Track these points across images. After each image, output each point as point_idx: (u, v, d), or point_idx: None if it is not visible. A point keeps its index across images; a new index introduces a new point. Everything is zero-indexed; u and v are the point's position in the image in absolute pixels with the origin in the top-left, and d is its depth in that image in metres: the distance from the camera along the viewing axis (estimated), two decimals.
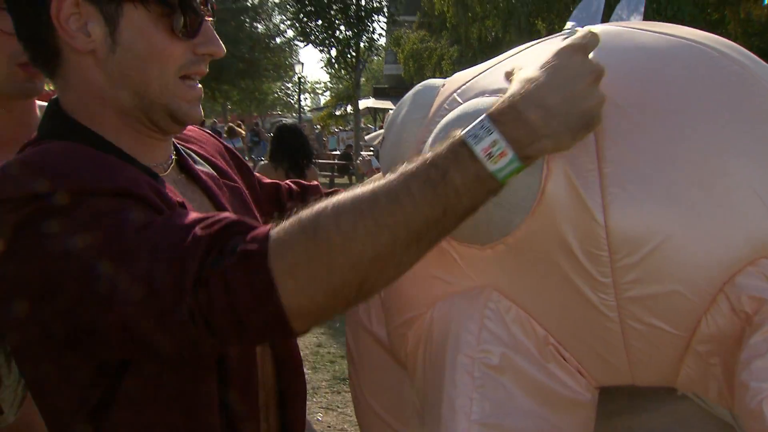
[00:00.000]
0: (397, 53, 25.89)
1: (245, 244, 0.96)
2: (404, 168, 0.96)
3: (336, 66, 27.14)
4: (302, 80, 42.62)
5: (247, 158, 11.48)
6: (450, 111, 1.05)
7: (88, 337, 1.04)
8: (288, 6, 30.97)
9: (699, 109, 0.96)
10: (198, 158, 1.38)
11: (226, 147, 1.53)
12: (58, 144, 1.16)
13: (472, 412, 0.93)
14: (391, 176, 0.96)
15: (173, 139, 1.34)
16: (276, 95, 45.73)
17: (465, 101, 1.05)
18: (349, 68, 25.64)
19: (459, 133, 0.93)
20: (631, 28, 1.10)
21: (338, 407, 4.75)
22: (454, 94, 1.11)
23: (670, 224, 0.92)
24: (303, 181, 1.65)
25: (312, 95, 67.58)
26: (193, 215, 1.03)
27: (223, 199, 1.27)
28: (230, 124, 19.28)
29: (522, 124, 0.95)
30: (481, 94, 1.05)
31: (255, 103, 41.95)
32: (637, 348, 0.96)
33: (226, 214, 1.03)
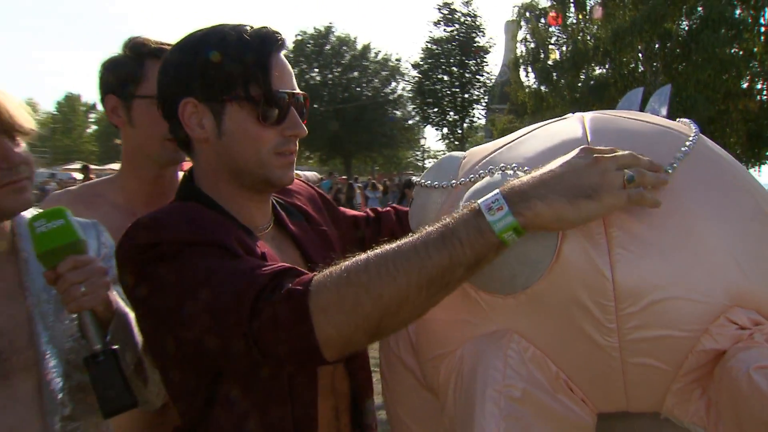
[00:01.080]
0: (492, 131, 27.75)
1: (293, 286, 1.03)
2: (428, 226, 1.02)
3: (447, 140, 29.81)
4: (426, 149, 52.67)
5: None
6: (474, 182, 1.10)
7: (182, 351, 1.16)
8: (416, 99, 38.16)
9: (682, 185, 1.02)
10: (294, 210, 1.46)
11: (318, 193, 1.61)
12: (181, 204, 1.31)
13: None
14: (416, 233, 1.02)
15: (277, 196, 1.45)
16: (408, 160, 53.36)
17: (488, 172, 1.10)
18: (456, 142, 28.13)
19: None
20: (617, 116, 1.18)
21: None
22: (476, 166, 1.16)
23: (665, 280, 0.97)
24: (378, 208, 1.72)
25: (433, 159, 71.41)
26: (259, 262, 1.12)
27: (310, 249, 1.37)
28: (372, 180, 21.94)
29: (519, 188, 1.00)
30: (502, 167, 1.09)
31: (394, 165, 49.04)
32: (633, 382, 1.02)
33: (284, 264, 1.11)
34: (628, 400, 1.04)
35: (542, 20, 21.46)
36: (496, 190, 0.98)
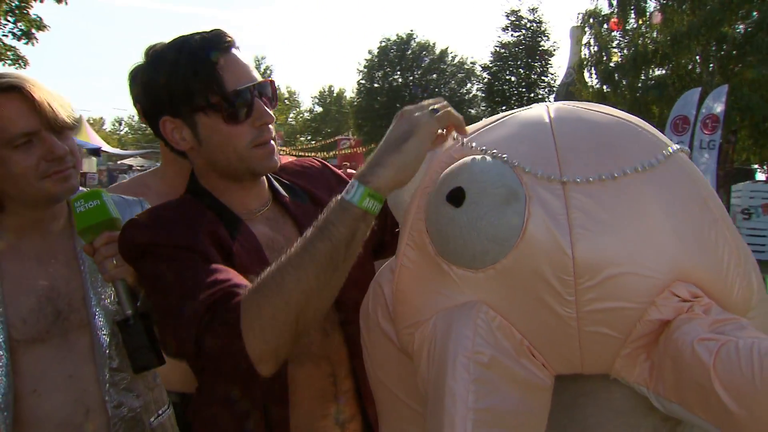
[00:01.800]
0: None
1: (226, 314, 1.09)
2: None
3: None
4: None
5: None
6: (449, 163, 1.10)
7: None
8: (487, 99, 37.08)
9: (633, 172, 1.01)
10: (299, 191, 1.47)
11: (335, 174, 1.58)
12: (178, 201, 1.39)
13: (468, 400, 0.94)
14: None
15: (283, 177, 1.47)
16: None
17: (459, 158, 1.10)
18: None
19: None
20: (579, 107, 1.15)
21: None
22: (452, 151, 1.15)
23: (619, 257, 0.97)
24: None
25: None
26: (212, 277, 1.16)
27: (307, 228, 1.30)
28: None
29: (365, 168, 1.08)
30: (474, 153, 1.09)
31: None
32: (588, 348, 1.02)
33: (229, 280, 1.15)
34: (583, 364, 1.03)
35: (605, 25, 20.86)
36: (352, 179, 1.07)
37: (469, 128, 1.20)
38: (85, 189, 1.47)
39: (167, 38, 1.34)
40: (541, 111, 1.13)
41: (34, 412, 1.43)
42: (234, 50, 1.30)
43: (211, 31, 1.29)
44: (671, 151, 1.05)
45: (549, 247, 0.97)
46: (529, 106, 1.19)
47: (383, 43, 48.04)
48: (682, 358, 0.90)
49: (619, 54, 21.14)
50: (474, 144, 1.11)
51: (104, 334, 1.52)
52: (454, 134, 1.16)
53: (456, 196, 1.00)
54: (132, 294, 1.41)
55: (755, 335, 0.90)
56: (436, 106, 1.09)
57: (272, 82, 1.34)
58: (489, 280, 1.01)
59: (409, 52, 47.18)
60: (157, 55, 1.31)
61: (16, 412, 1.42)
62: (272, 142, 1.33)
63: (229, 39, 1.29)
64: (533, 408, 1.00)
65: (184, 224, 1.27)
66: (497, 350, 0.98)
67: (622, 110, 1.15)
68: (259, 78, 1.32)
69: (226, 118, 1.26)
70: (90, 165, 19.86)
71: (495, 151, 1.05)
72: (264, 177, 1.42)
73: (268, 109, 1.31)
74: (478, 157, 1.05)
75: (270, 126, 1.32)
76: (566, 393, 1.08)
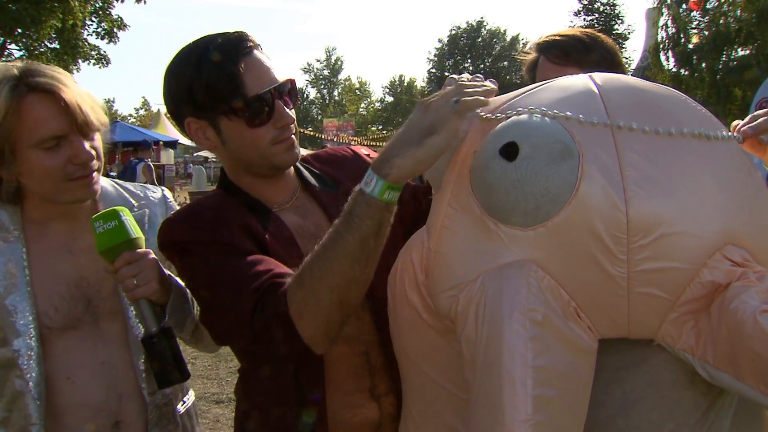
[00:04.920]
0: None
1: (276, 305, 1.18)
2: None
3: None
4: None
5: None
6: (499, 120, 1.08)
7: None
8: None
9: (687, 136, 1.00)
10: (329, 180, 1.54)
11: (367, 163, 1.57)
12: (212, 198, 1.50)
13: (528, 357, 0.92)
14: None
15: (314, 167, 1.56)
16: None
17: (514, 112, 1.08)
18: None
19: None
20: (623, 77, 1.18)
21: None
22: (499, 110, 1.13)
23: (672, 216, 0.95)
24: None
25: None
26: (255, 268, 1.25)
27: (336, 216, 1.34)
28: None
29: (381, 157, 1.11)
30: (518, 112, 1.07)
31: None
32: (637, 310, 0.99)
33: (271, 270, 1.25)
34: (630, 327, 1.01)
35: (683, 5, 20.04)
36: (369, 169, 1.10)
37: (510, 95, 1.18)
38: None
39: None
40: (584, 78, 1.12)
41: (68, 399, 1.44)
42: (256, 52, 1.34)
43: (234, 33, 1.33)
44: (725, 135, 1.03)
45: (603, 204, 0.95)
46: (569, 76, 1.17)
47: (453, 31, 47.68)
48: (742, 328, 0.88)
49: (699, 35, 20.29)
50: (520, 107, 1.09)
51: (137, 323, 1.52)
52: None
53: (509, 151, 0.99)
54: (155, 312, 1.41)
55: None
56: (456, 98, 1.08)
57: (292, 80, 1.39)
58: (539, 238, 0.99)
59: (480, 39, 46.70)
60: (180, 58, 1.36)
61: (51, 400, 1.43)
62: (292, 136, 1.39)
63: (251, 42, 1.33)
64: (580, 371, 0.98)
65: (219, 220, 1.34)
66: (549, 309, 0.97)
67: (701, 94, 1.14)
68: (279, 78, 1.35)
69: (248, 122, 1.32)
70: (168, 157, 20.53)
71: (544, 108, 1.03)
72: (291, 168, 1.47)
73: (288, 110, 1.36)
74: (531, 114, 1.03)
75: (292, 123, 1.37)
76: (604, 370, 1.06)
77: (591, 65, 1.60)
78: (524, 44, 46.05)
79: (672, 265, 0.95)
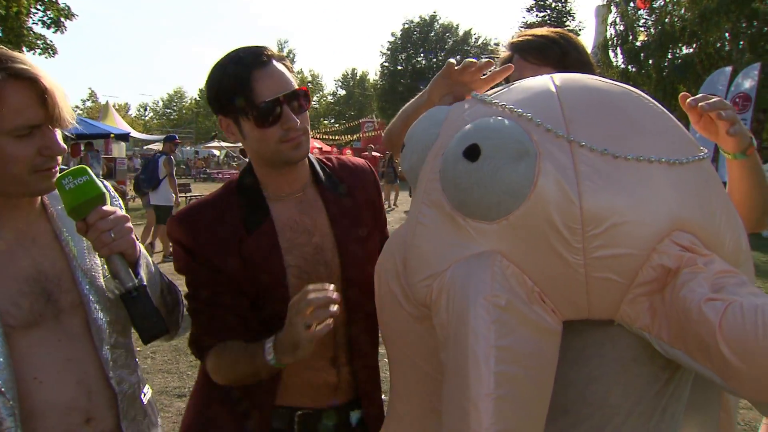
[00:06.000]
0: None
1: (199, 352, 1.70)
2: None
3: None
4: None
5: None
6: (462, 126, 1.17)
7: None
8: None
9: (635, 130, 1.10)
10: (341, 184, 1.78)
11: (377, 187, 1.89)
12: (218, 194, 1.75)
13: (490, 338, 1.01)
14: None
15: (332, 169, 1.81)
16: None
17: (471, 120, 1.17)
18: None
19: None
20: (582, 76, 1.24)
21: None
22: (464, 115, 1.23)
23: (623, 207, 1.04)
24: None
25: None
26: (207, 313, 1.66)
27: (338, 216, 1.72)
28: None
29: (279, 343, 1.45)
30: (486, 115, 1.16)
31: None
32: (595, 293, 1.09)
33: (210, 320, 1.66)
34: (590, 309, 1.10)
35: (631, 4, 20.56)
36: (270, 344, 1.45)
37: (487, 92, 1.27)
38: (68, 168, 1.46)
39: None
40: (545, 79, 1.21)
41: (39, 400, 1.39)
42: (274, 62, 1.58)
43: (254, 47, 1.59)
44: (676, 122, 1.13)
45: (558, 198, 1.04)
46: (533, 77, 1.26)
47: (406, 25, 47.70)
48: (689, 315, 0.97)
49: (645, 33, 20.84)
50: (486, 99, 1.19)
51: (100, 313, 1.49)
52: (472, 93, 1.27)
53: (471, 152, 1.07)
54: (130, 266, 1.42)
55: (753, 291, 0.98)
56: (308, 321, 1.36)
57: (303, 89, 1.62)
58: (502, 230, 1.08)
59: (432, 34, 46.86)
60: (215, 64, 1.62)
61: (23, 403, 1.37)
62: (301, 136, 1.61)
63: (268, 54, 1.57)
64: (545, 351, 1.07)
65: (212, 231, 1.64)
66: (512, 295, 1.05)
67: (648, 90, 1.22)
68: (293, 86, 1.59)
69: (256, 124, 1.56)
70: (119, 150, 20.12)
71: (507, 104, 1.13)
72: (307, 165, 1.74)
73: (294, 115, 1.57)
74: (491, 117, 1.13)
75: (297, 126, 1.58)
76: (572, 348, 1.15)
77: (564, 65, 1.69)
78: (476, 39, 46.48)
79: (624, 252, 1.04)
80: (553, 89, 1.16)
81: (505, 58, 1.85)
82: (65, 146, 1.43)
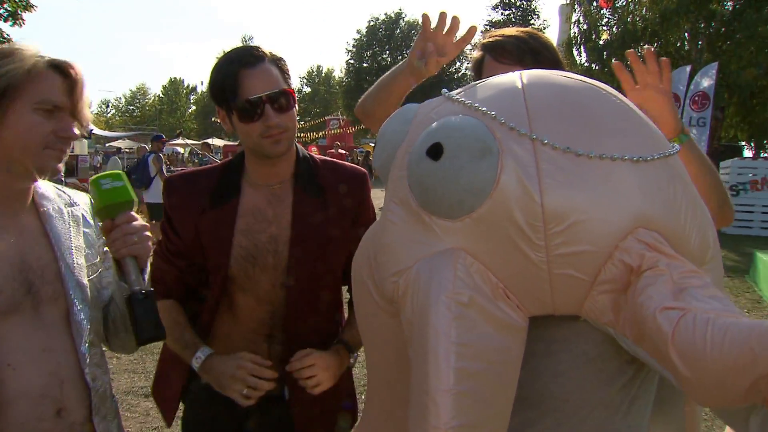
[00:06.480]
0: None
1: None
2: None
3: None
4: None
5: None
6: (429, 124, 1.16)
7: None
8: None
9: (600, 128, 1.10)
10: (318, 188, 1.89)
11: (361, 193, 1.97)
12: (206, 169, 1.99)
13: (451, 335, 1.02)
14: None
15: (319, 170, 1.93)
16: None
17: (438, 118, 1.17)
18: None
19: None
20: (551, 73, 1.24)
21: None
22: (431, 113, 1.23)
23: (585, 204, 1.04)
24: None
25: None
26: (165, 264, 1.96)
27: (299, 216, 1.85)
28: None
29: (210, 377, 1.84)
30: (452, 113, 1.16)
31: None
32: (558, 290, 1.09)
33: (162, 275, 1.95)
34: (555, 305, 1.12)
35: (594, 3, 20.85)
36: (201, 359, 1.80)
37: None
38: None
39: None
40: (514, 76, 1.21)
41: (10, 387, 1.42)
42: (265, 63, 1.74)
43: (248, 47, 1.77)
44: (642, 115, 1.14)
45: (520, 196, 1.04)
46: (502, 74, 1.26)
47: (372, 23, 47.64)
48: (645, 322, 0.98)
49: (608, 32, 21.14)
50: (455, 96, 1.20)
51: (81, 310, 1.54)
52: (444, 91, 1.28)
53: (435, 151, 1.07)
54: (141, 271, 1.50)
55: (713, 294, 0.99)
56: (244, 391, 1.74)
57: (287, 90, 1.77)
58: (466, 228, 1.08)
59: (398, 31, 46.90)
60: (217, 61, 1.80)
61: None
62: (281, 134, 1.76)
63: (259, 55, 1.74)
64: (509, 346, 1.08)
65: (183, 196, 1.90)
66: (475, 292, 1.06)
67: (611, 88, 1.22)
68: (280, 86, 1.74)
69: (239, 118, 1.75)
70: (81, 147, 19.71)
71: (470, 101, 1.14)
72: (292, 161, 1.89)
73: (276, 113, 1.73)
74: (455, 116, 1.13)
75: (277, 124, 1.74)
76: (540, 342, 1.17)
77: (534, 64, 1.69)
78: None
79: (586, 249, 1.05)
80: (520, 86, 1.16)
81: (477, 58, 1.87)
82: (78, 134, 1.53)
